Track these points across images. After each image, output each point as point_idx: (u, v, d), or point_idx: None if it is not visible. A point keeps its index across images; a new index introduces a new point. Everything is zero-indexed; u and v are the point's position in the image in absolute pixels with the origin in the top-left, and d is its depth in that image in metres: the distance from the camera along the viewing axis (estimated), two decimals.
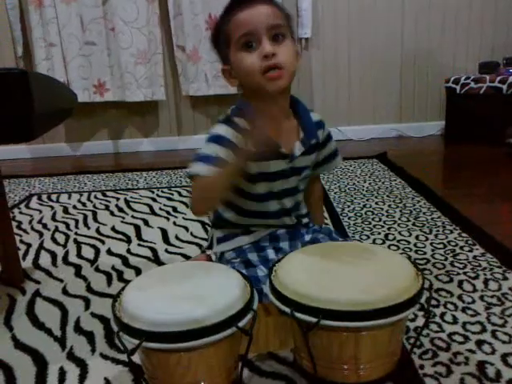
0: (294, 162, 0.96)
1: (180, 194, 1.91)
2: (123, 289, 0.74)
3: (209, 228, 1.21)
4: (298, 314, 0.68)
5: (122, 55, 2.70)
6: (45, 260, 1.34)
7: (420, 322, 0.91)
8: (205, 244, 1.37)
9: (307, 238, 1.03)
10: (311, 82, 2.90)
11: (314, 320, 0.66)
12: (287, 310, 0.69)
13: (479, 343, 0.84)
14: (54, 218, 1.71)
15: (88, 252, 1.38)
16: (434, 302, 0.99)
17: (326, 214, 1.57)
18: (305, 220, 1.06)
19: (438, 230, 1.38)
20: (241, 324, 0.67)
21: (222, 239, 1.02)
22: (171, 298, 0.69)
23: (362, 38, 2.84)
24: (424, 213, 1.54)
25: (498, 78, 2.49)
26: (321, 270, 0.75)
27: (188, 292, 0.71)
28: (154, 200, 1.86)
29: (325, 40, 2.85)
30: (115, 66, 2.75)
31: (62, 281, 1.20)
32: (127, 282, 1.20)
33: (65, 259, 1.34)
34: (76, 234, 1.54)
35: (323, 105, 2.92)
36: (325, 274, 0.74)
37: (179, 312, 0.66)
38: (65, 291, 1.14)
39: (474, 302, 0.99)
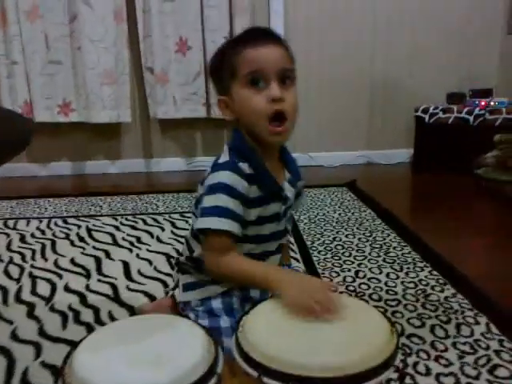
0: (287, 203, 0.93)
1: (145, 223, 1.84)
2: (74, 348, 0.67)
3: (173, 264, 1.15)
4: (266, 379, 0.62)
5: (87, 75, 2.62)
6: None
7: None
8: (168, 280, 1.31)
9: None
10: None
11: None
12: (255, 373, 0.63)
13: None
14: (9, 248, 1.61)
15: (43, 288, 1.30)
16: (406, 350, 0.95)
17: (295, 247, 1.53)
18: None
19: (409, 268, 1.36)
20: None
21: (189, 286, 0.94)
22: (129, 362, 0.63)
23: (332, 63, 2.85)
24: (394, 247, 1.52)
25: (465, 110, 2.54)
26: (291, 328, 0.70)
27: (147, 353, 0.64)
28: (118, 228, 1.78)
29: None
30: (81, 85, 2.67)
31: (11, 323, 1.11)
32: (83, 323, 1.12)
33: (17, 296, 1.25)
34: (32, 266, 1.45)
35: (293, 130, 2.90)
36: (295, 333, 0.68)
37: (138, 379, 0.60)
38: (14, 336, 1.05)
39: (446, 349, 0.96)
